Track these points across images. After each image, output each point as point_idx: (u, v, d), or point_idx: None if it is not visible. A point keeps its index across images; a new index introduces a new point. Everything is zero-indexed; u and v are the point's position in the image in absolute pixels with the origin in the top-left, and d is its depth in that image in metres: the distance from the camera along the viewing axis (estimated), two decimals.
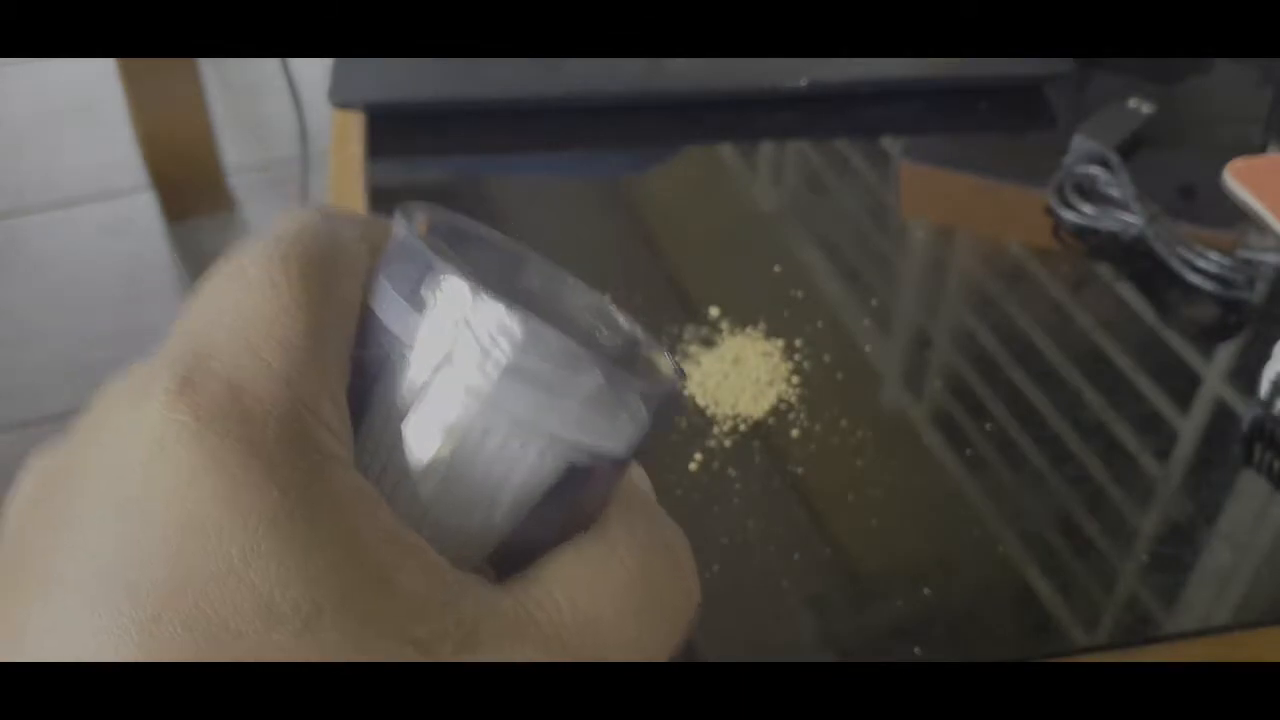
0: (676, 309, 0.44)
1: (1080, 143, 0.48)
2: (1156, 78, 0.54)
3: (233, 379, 0.16)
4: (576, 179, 0.52)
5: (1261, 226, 0.46)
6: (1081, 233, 0.48)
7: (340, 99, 0.52)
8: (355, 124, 0.53)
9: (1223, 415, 0.41)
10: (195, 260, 1.50)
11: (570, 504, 0.19)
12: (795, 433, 0.39)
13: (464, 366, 0.18)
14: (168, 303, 1.44)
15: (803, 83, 0.52)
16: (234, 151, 1.59)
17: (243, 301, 0.17)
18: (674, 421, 0.19)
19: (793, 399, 0.40)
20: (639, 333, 0.22)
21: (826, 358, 0.42)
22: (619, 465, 0.19)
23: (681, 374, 0.21)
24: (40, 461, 0.18)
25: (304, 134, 0.70)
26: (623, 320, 0.22)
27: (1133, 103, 0.51)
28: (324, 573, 0.15)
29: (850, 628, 0.35)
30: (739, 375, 0.41)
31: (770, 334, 0.42)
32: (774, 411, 0.40)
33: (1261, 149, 0.51)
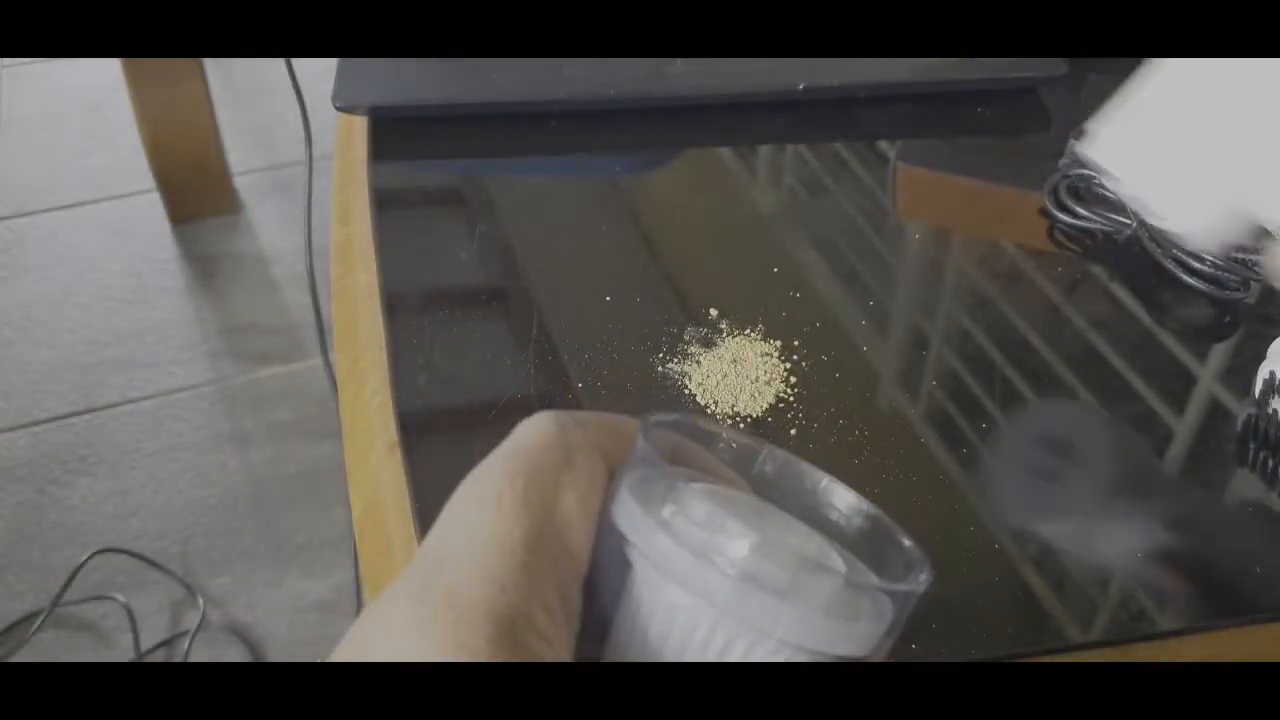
0: (676, 309, 0.44)
1: (1075, 145, 0.48)
2: None
3: (455, 585, 0.18)
4: (578, 181, 0.52)
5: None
6: (1076, 234, 0.48)
7: (343, 103, 0.52)
8: (359, 127, 0.53)
9: (1217, 415, 0.41)
10: (200, 262, 1.50)
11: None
12: (794, 432, 0.40)
13: (702, 578, 0.19)
14: (173, 304, 1.44)
15: (800, 86, 0.53)
16: (239, 154, 1.60)
17: (473, 515, 0.20)
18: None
19: (791, 398, 0.41)
20: (880, 515, 0.22)
21: (824, 358, 0.42)
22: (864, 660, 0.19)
23: (925, 560, 0.21)
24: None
25: (309, 137, 0.70)
26: (862, 503, 0.23)
27: None
28: None
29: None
30: (738, 375, 0.41)
31: (769, 334, 0.43)
32: (772, 411, 0.40)
33: None
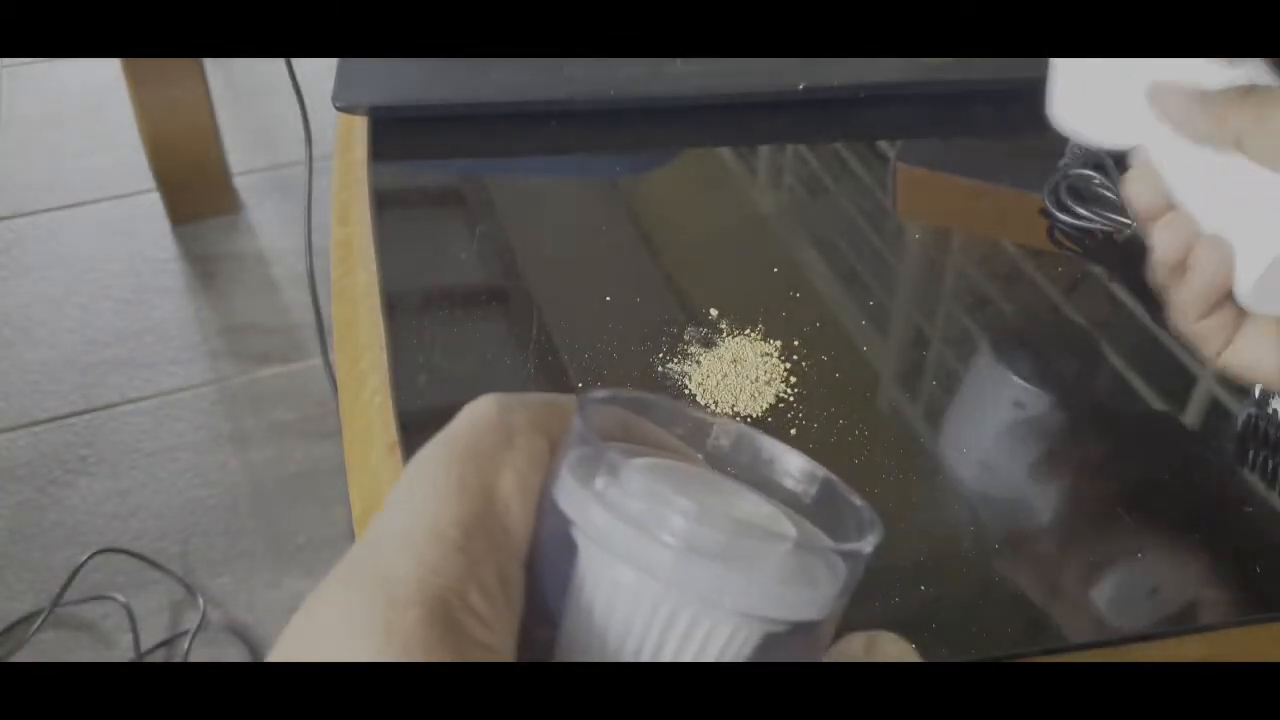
0: (676, 309, 0.44)
1: (1075, 145, 0.48)
2: None
3: (386, 569, 0.18)
4: (578, 181, 0.52)
5: None
6: (1076, 234, 0.48)
7: (343, 103, 0.52)
8: (359, 127, 0.53)
9: (1217, 415, 0.41)
10: (200, 262, 1.50)
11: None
12: (793, 431, 0.40)
13: (643, 551, 0.18)
14: (173, 304, 1.44)
15: (800, 86, 0.53)
16: (239, 154, 1.60)
17: (408, 499, 0.19)
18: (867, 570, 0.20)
19: (791, 398, 0.41)
20: (832, 478, 0.22)
21: (824, 358, 0.42)
22: (818, 624, 0.19)
23: (876, 520, 0.20)
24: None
25: (309, 137, 0.70)
26: (814, 468, 0.22)
27: None
28: None
29: (846, 624, 0.36)
30: (738, 375, 0.41)
31: (769, 334, 0.43)
32: (772, 410, 0.40)
33: None
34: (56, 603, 1.10)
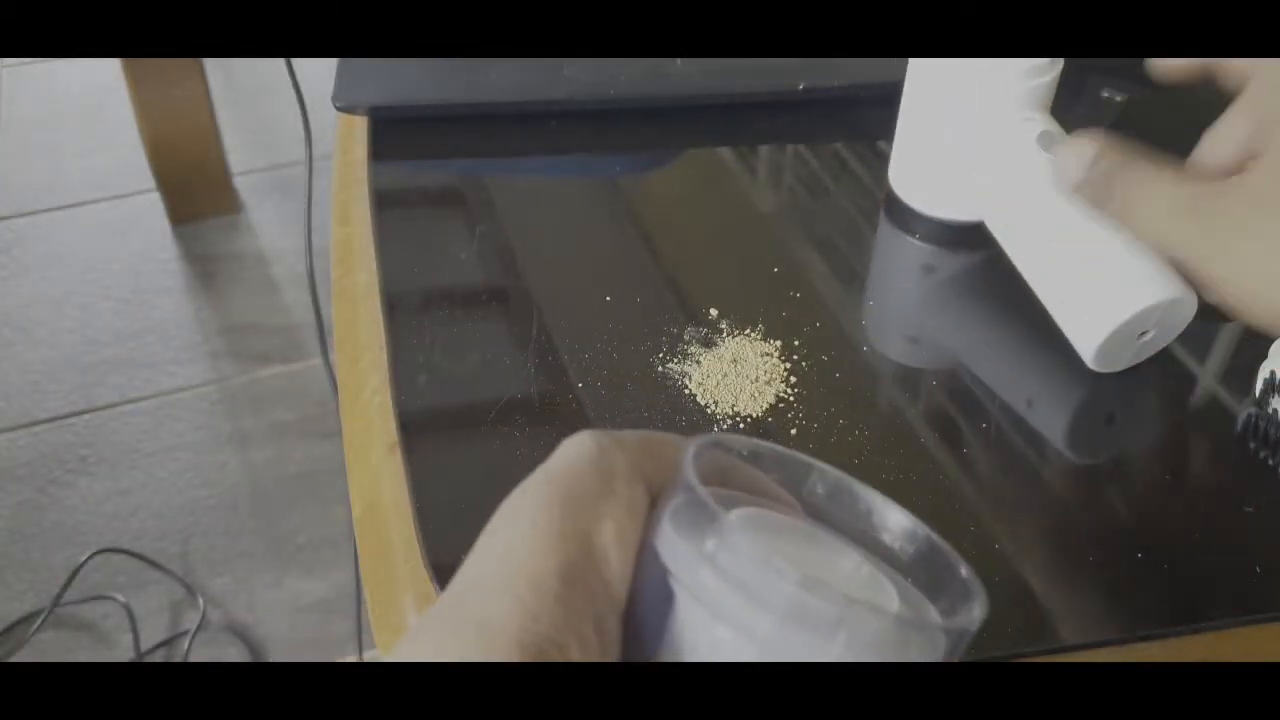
0: (676, 309, 0.44)
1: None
2: (1147, 80, 0.55)
3: (485, 615, 0.18)
4: (578, 181, 0.52)
5: None
6: None
7: (343, 103, 0.52)
8: (359, 127, 0.53)
9: (1217, 414, 0.41)
10: (200, 262, 1.50)
11: None
12: (794, 431, 0.40)
13: (746, 615, 0.18)
14: (173, 304, 1.44)
15: (800, 86, 0.53)
16: (239, 154, 1.60)
17: (507, 542, 0.19)
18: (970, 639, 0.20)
19: (791, 398, 0.41)
20: (936, 539, 0.22)
21: (824, 358, 0.42)
22: None
23: (981, 592, 0.20)
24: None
25: (309, 137, 0.70)
26: (915, 525, 0.22)
27: (1106, 93, 0.52)
28: None
29: None
30: (738, 375, 0.41)
31: (769, 334, 0.43)
32: (773, 410, 0.40)
33: None
34: (56, 603, 1.10)
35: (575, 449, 0.20)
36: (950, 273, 0.47)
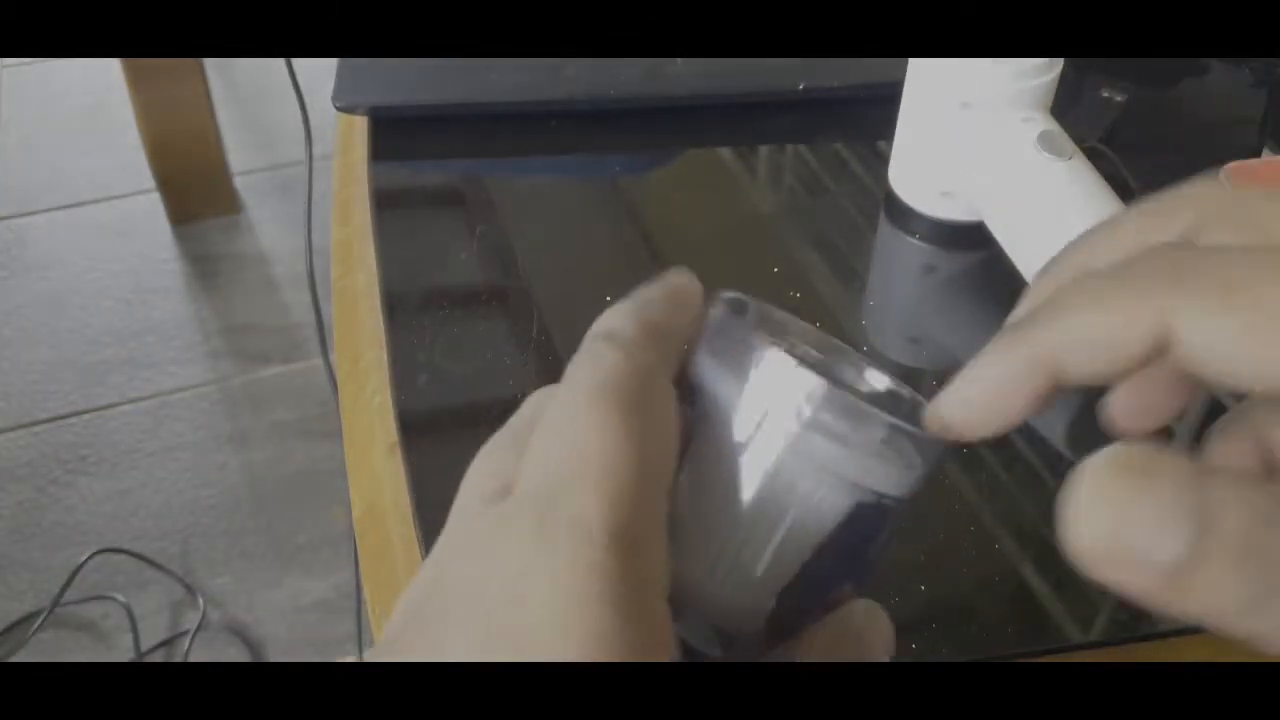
0: None
1: None
2: (1149, 80, 0.55)
3: (579, 515, 0.19)
4: (578, 181, 0.52)
5: None
6: None
7: (343, 103, 0.52)
8: (359, 127, 0.53)
9: (1218, 413, 0.41)
10: (200, 262, 1.50)
11: (850, 544, 0.22)
12: None
13: (778, 423, 0.21)
14: (173, 304, 1.44)
15: (800, 86, 0.53)
16: (239, 154, 1.60)
17: (581, 443, 0.20)
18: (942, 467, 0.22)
19: None
20: (914, 395, 0.25)
21: None
22: (895, 510, 0.22)
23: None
24: (407, 593, 0.21)
25: (309, 137, 0.70)
26: (898, 385, 0.26)
27: (1106, 93, 0.52)
28: None
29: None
30: None
31: None
32: None
33: (1257, 152, 0.52)
34: (56, 603, 1.10)
35: (604, 359, 0.21)
36: (950, 273, 0.47)
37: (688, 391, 0.22)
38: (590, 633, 0.17)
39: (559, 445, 0.20)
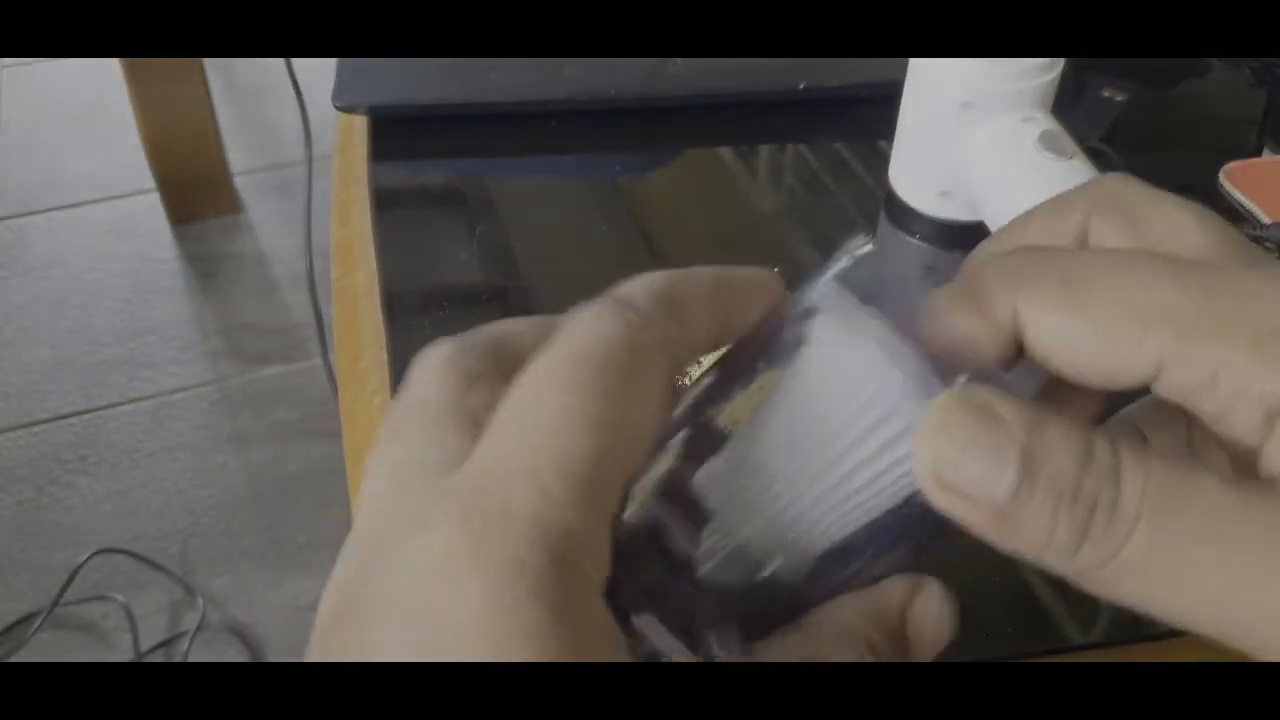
0: None
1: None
2: (1150, 80, 0.55)
3: (510, 506, 0.17)
4: (578, 181, 0.52)
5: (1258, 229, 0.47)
6: None
7: (343, 103, 0.52)
8: (359, 127, 0.53)
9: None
10: (200, 262, 1.50)
11: (887, 537, 0.21)
12: None
13: (870, 387, 0.19)
14: (173, 304, 1.44)
15: (800, 86, 0.53)
16: (239, 154, 1.60)
17: (536, 415, 0.18)
18: None
19: None
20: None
21: None
22: (937, 517, 0.20)
23: None
24: (344, 563, 0.19)
25: (309, 137, 0.70)
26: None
27: (1107, 93, 0.52)
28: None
29: None
30: None
31: None
32: None
33: (1257, 152, 0.52)
34: (56, 603, 1.10)
35: (598, 325, 0.19)
36: (950, 273, 0.47)
37: (790, 333, 0.21)
38: (524, 633, 0.16)
39: (516, 422, 0.18)
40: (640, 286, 0.21)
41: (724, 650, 0.21)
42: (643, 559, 0.20)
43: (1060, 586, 0.36)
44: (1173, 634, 0.35)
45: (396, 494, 0.19)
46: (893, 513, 0.20)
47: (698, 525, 0.20)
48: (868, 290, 0.21)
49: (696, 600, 0.21)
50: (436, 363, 0.22)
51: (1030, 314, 0.20)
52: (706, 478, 0.21)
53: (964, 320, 0.20)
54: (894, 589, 0.22)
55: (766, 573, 0.21)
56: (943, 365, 0.19)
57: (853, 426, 0.20)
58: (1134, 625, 0.35)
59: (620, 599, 0.19)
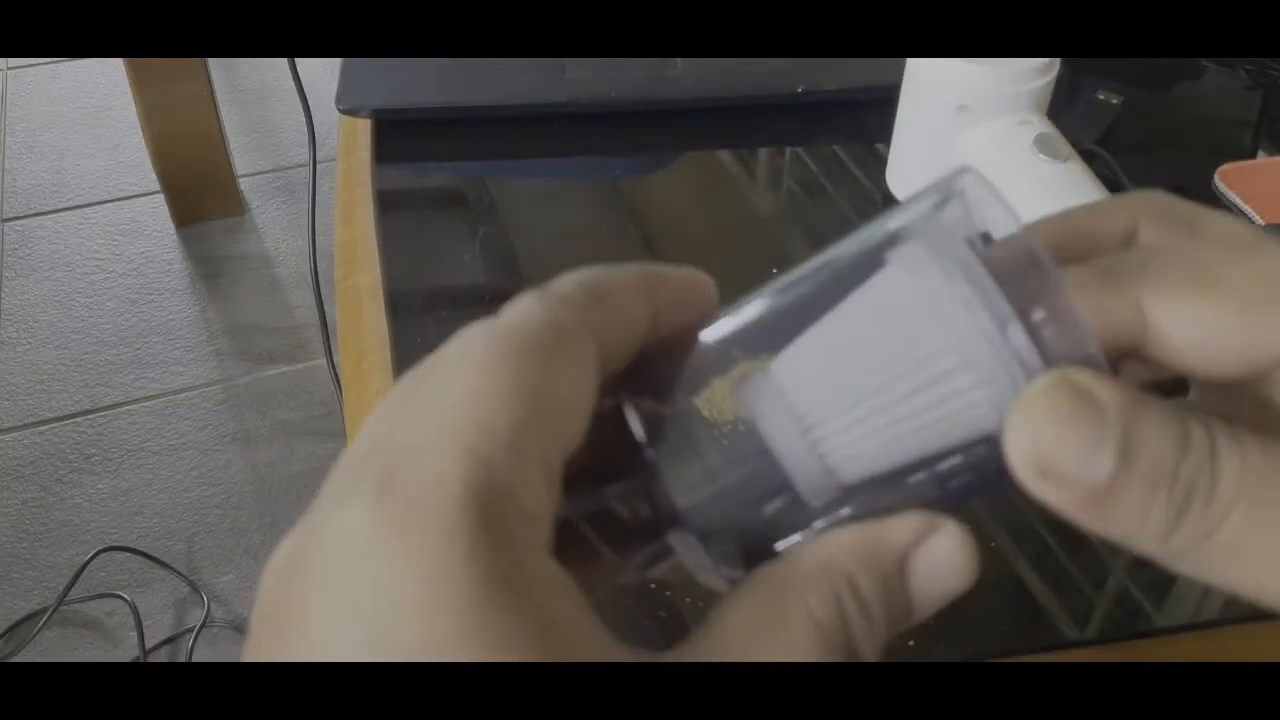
0: None
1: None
2: (1145, 82, 0.55)
3: (432, 468, 0.16)
4: (580, 183, 0.53)
5: None
6: None
7: (347, 105, 0.53)
8: (363, 129, 0.53)
9: None
10: (205, 263, 1.51)
11: (917, 489, 0.19)
12: None
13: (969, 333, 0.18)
14: (178, 305, 1.45)
15: (800, 88, 0.53)
16: (244, 156, 1.60)
17: (456, 386, 0.18)
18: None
19: None
20: None
21: None
22: (973, 481, 0.19)
23: None
24: (281, 547, 0.18)
25: (313, 139, 0.71)
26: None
27: (1102, 95, 0.52)
28: (513, 654, 0.16)
29: None
30: None
31: None
32: None
33: (1252, 154, 0.52)
34: (61, 601, 1.10)
35: (520, 307, 0.19)
36: None
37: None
38: (461, 602, 0.15)
39: (432, 393, 0.18)
40: (568, 278, 0.20)
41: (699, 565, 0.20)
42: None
43: (1056, 585, 0.36)
44: (1167, 631, 0.35)
45: (334, 477, 0.18)
46: (933, 461, 0.19)
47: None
48: (959, 230, 0.20)
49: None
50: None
51: (1163, 304, 0.19)
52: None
53: (1096, 301, 0.19)
54: (899, 526, 0.19)
55: (797, 497, 0.19)
56: (1029, 318, 0.18)
57: (924, 365, 0.19)
58: (1129, 623, 0.35)
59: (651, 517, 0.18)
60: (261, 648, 0.17)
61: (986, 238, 0.19)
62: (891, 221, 0.21)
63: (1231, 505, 0.17)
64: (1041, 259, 0.19)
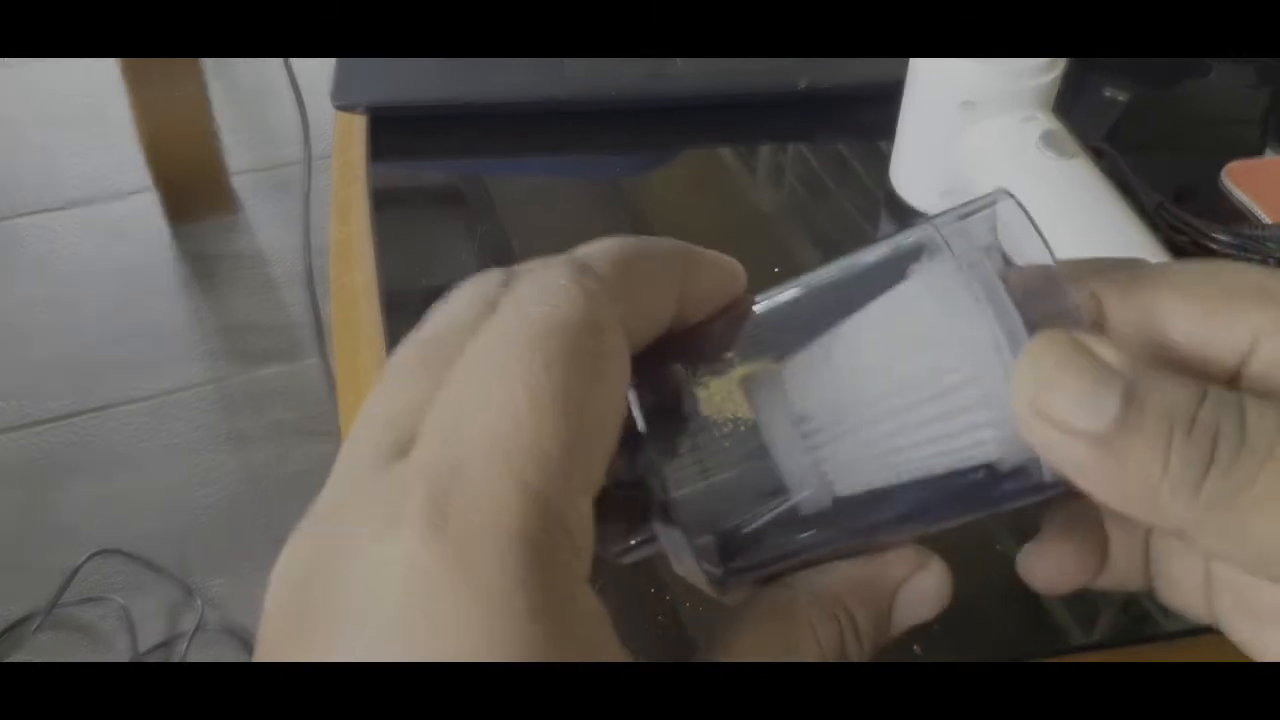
0: None
1: None
2: (1152, 79, 0.55)
3: (488, 500, 0.16)
4: (578, 181, 0.52)
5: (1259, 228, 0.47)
6: None
7: (342, 101, 0.52)
8: (358, 126, 0.53)
9: None
10: (198, 262, 1.50)
11: (920, 506, 0.20)
12: None
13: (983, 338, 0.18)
14: (171, 304, 1.44)
15: (801, 85, 0.53)
16: (237, 153, 1.60)
17: (502, 406, 0.16)
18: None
19: None
20: None
21: None
22: (1026, 489, 0.20)
23: None
24: (294, 551, 0.17)
25: (307, 136, 0.70)
26: None
27: (1108, 92, 0.52)
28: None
29: None
30: None
31: None
32: None
33: (1259, 151, 0.52)
34: (54, 604, 1.10)
35: (558, 294, 0.18)
36: None
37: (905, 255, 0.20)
38: (521, 646, 0.15)
39: (474, 401, 0.16)
40: (603, 250, 0.19)
41: (706, 568, 0.20)
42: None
43: None
44: (1175, 635, 0.35)
45: (354, 468, 0.17)
46: (938, 481, 0.19)
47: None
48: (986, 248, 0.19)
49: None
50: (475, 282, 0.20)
51: (1271, 330, 0.19)
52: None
53: (1202, 323, 0.19)
54: (896, 562, 0.21)
55: (789, 502, 0.19)
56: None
57: (936, 378, 0.19)
58: (1135, 627, 0.35)
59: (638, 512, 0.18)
60: (282, 657, 0.16)
61: (1008, 261, 0.19)
62: (916, 235, 0.21)
63: (1267, 455, 0.16)
64: (1069, 302, 0.18)
